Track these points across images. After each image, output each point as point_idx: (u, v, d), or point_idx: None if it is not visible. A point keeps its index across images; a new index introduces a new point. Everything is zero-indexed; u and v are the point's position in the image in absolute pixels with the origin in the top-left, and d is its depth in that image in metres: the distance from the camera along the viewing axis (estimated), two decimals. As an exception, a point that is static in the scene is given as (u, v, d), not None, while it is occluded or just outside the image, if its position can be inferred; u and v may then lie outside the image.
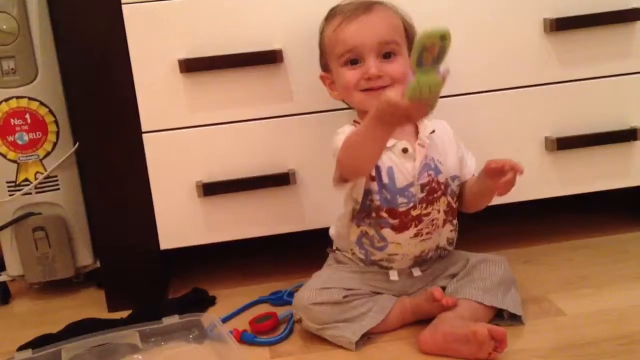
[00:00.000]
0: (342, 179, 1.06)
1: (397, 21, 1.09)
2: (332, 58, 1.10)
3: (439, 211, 1.09)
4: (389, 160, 1.07)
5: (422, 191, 1.07)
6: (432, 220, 1.08)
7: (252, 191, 1.22)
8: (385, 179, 1.06)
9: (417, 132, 1.09)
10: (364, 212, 1.09)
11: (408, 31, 1.10)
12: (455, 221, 1.13)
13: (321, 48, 1.13)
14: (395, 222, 1.07)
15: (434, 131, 1.10)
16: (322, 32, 1.12)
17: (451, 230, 1.13)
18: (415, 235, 1.08)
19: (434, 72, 0.88)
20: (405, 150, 1.07)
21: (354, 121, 1.12)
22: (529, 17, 1.22)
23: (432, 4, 1.19)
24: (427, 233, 1.09)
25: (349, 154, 1.02)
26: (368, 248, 1.11)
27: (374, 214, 1.08)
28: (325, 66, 1.13)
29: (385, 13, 1.08)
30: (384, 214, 1.07)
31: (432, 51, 0.86)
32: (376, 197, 1.07)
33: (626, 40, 1.25)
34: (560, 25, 1.21)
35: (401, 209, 1.06)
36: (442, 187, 1.08)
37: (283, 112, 1.20)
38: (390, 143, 1.05)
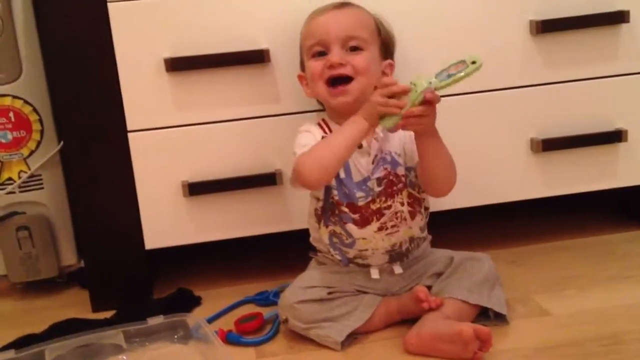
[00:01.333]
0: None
1: (367, 19, 1.10)
2: (304, 52, 1.12)
3: (402, 204, 1.09)
4: None
5: (379, 185, 1.08)
6: (396, 213, 1.09)
7: (238, 191, 1.21)
8: (343, 174, 1.08)
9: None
10: (328, 210, 1.10)
11: (381, 31, 1.12)
12: (422, 209, 1.13)
13: (300, 47, 1.14)
14: (356, 216, 1.08)
15: None
16: (301, 33, 1.13)
17: (421, 219, 1.13)
18: (380, 229, 1.09)
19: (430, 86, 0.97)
20: (360, 146, 1.08)
21: (322, 120, 1.13)
22: (515, 19, 1.22)
23: (417, 4, 1.19)
24: (392, 226, 1.09)
25: (316, 160, 1.02)
26: (340, 247, 1.12)
27: (336, 211, 1.09)
28: (302, 64, 1.14)
29: (355, 11, 1.10)
30: (345, 209, 1.08)
31: (456, 68, 0.98)
32: (335, 192, 1.08)
33: (612, 42, 1.25)
34: (546, 27, 1.21)
35: (360, 203, 1.08)
36: (403, 179, 1.09)
37: (270, 112, 1.20)
38: None
